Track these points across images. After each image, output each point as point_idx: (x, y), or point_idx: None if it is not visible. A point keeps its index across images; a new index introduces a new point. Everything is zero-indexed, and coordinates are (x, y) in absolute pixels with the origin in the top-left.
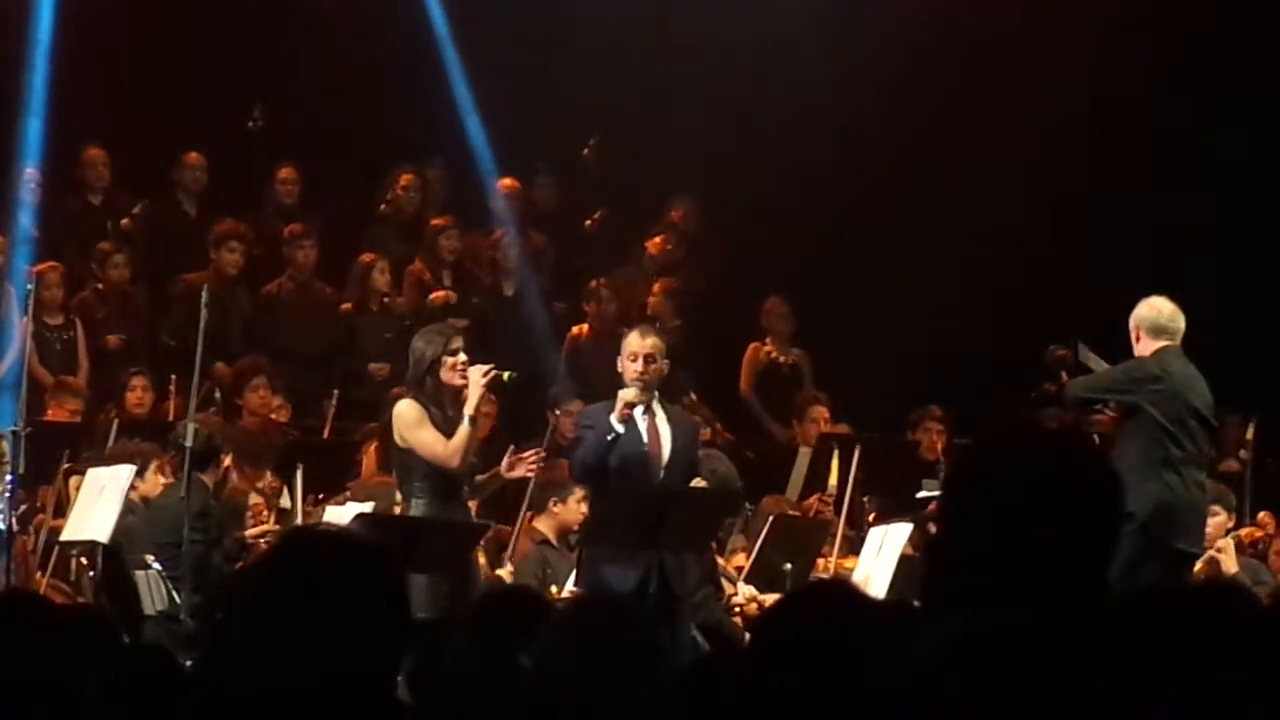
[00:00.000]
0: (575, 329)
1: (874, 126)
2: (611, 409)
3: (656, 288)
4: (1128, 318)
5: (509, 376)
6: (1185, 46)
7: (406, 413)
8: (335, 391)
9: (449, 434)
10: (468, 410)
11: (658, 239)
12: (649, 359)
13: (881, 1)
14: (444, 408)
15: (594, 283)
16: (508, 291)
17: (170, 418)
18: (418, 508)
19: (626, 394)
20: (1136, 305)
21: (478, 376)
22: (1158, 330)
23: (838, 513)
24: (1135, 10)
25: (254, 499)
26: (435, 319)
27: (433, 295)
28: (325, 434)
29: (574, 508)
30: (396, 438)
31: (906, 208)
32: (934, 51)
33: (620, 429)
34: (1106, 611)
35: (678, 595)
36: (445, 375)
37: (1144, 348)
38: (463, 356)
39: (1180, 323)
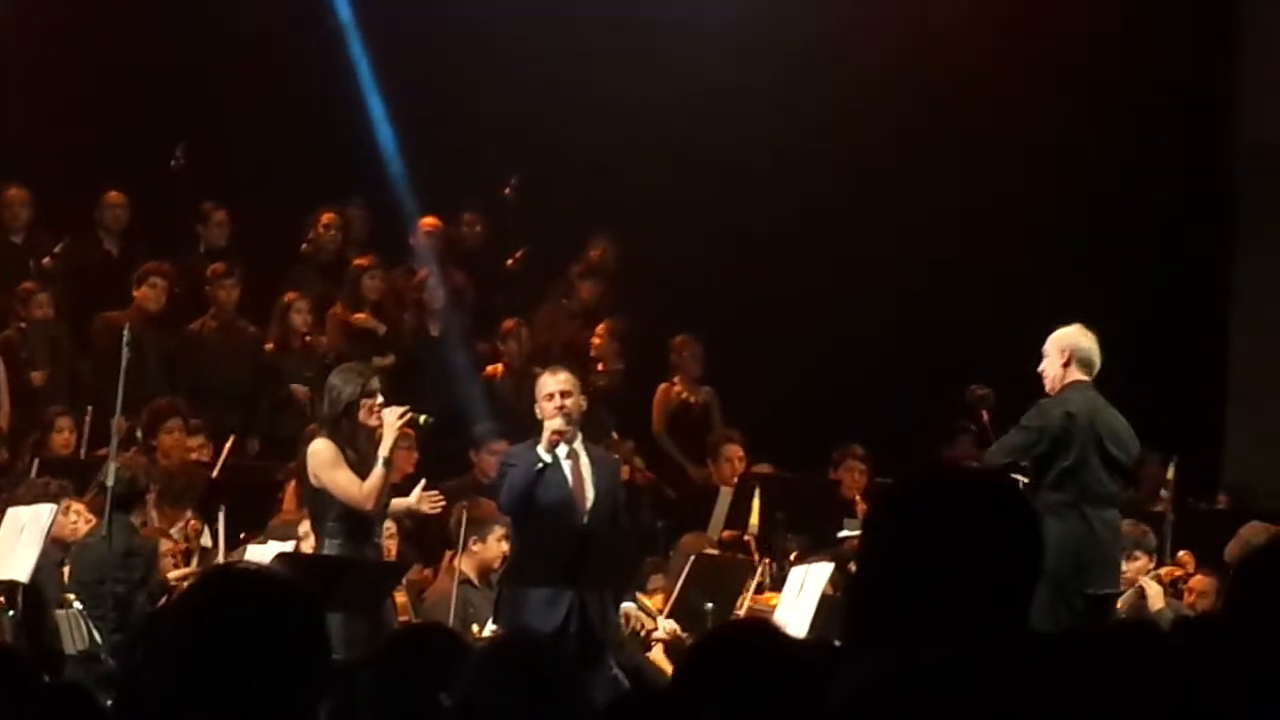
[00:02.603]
0: (490, 369)
1: (786, 165)
2: (534, 448)
3: (601, 329)
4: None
5: (425, 420)
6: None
7: (322, 452)
8: (231, 436)
9: (363, 474)
10: (382, 452)
11: (589, 284)
12: (565, 394)
13: (805, 44)
14: (359, 448)
15: (509, 322)
16: (434, 332)
17: (80, 454)
18: (331, 547)
19: (553, 423)
20: (1066, 330)
21: (393, 419)
22: (1085, 362)
23: (761, 552)
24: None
25: (166, 544)
26: (359, 357)
27: (355, 317)
28: (217, 472)
29: (494, 546)
30: (311, 477)
31: (822, 245)
32: (857, 99)
33: (548, 458)
34: (1025, 652)
35: (598, 635)
36: (362, 416)
37: (1067, 375)
38: (379, 398)
39: (1099, 357)
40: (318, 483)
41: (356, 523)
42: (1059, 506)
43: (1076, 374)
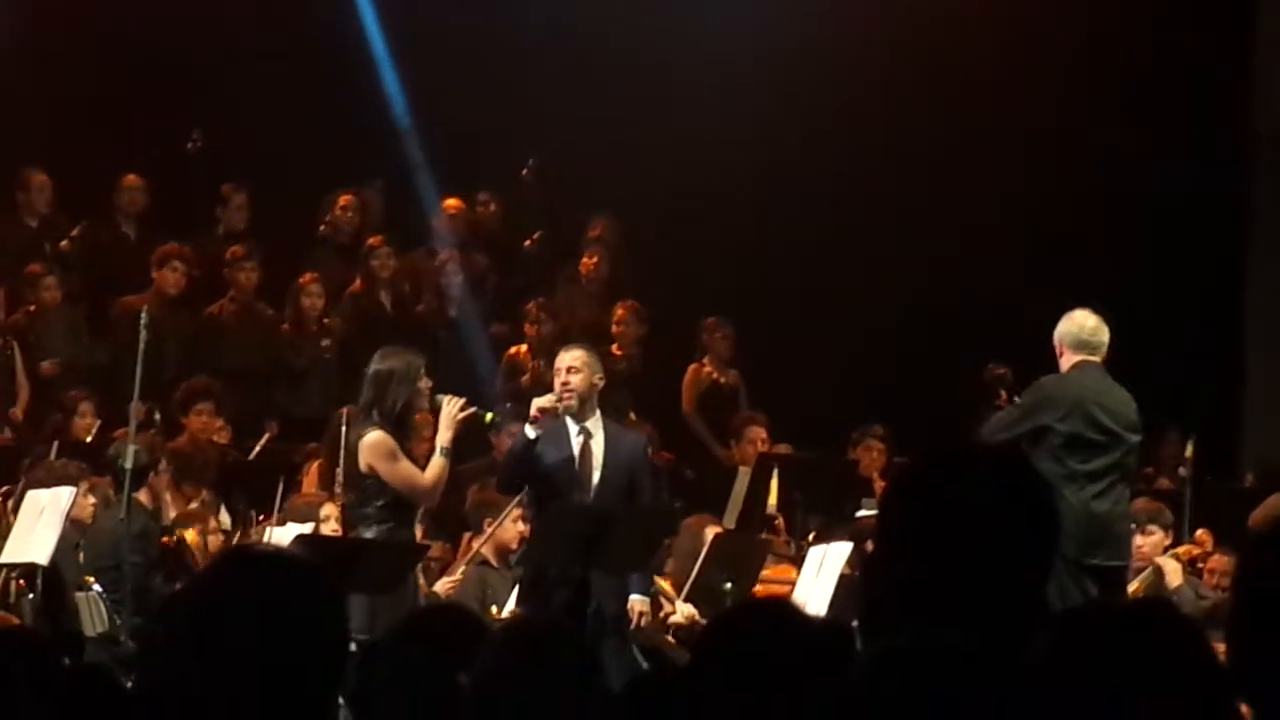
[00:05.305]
0: (514, 349)
1: (812, 150)
2: (554, 419)
3: (620, 312)
4: None
5: (490, 417)
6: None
7: (381, 444)
8: (269, 430)
9: (415, 463)
10: (441, 442)
11: (591, 258)
12: (571, 370)
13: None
14: (410, 439)
15: (531, 305)
16: (452, 313)
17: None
18: (375, 532)
19: (539, 400)
20: (1060, 323)
21: (453, 410)
22: (1078, 345)
23: (780, 532)
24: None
25: (212, 524)
26: (373, 338)
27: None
28: (252, 456)
29: (509, 527)
30: (363, 465)
31: (846, 224)
32: (883, 78)
33: (532, 434)
34: (1043, 631)
35: (616, 615)
36: (418, 406)
37: (1065, 362)
38: (428, 382)
39: (1103, 336)
40: (369, 471)
41: (403, 509)
42: (1058, 480)
43: (1074, 357)
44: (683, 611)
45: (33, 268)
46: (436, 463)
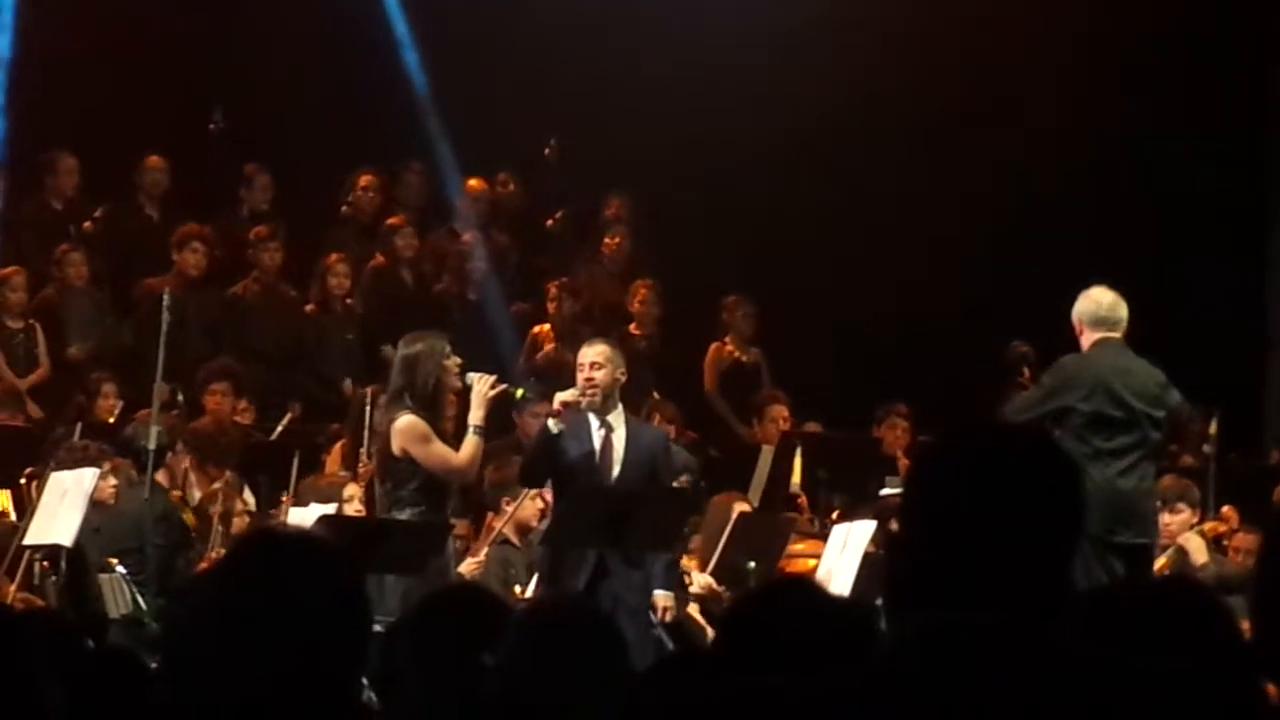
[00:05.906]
0: (536, 328)
1: (830, 122)
2: (576, 413)
3: (641, 292)
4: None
5: (521, 393)
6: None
7: (414, 428)
8: (291, 410)
9: (446, 443)
10: (474, 421)
11: (614, 239)
12: (595, 366)
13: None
14: (442, 419)
15: (552, 284)
16: (471, 296)
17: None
18: (409, 515)
19: (562, 395)
20: (1078, 301)
21: (484, 387)
22: (1097, 322)
23: (803, 511)
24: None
25: (239, 504)
26: (396, 319)
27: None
28: (274, 436)
29: (528, 505)
30: (396, 449)
31: (870, 201)
32: (897, 51)
33: (554, 428)
34: (1069, 610)
35: (639, 608)
36: (449, 384)
37: (1086, 340)
38: (456, 360)
39: (1121, 312)
40: (403, 454)
41: (437, 491)
42: (1082, 459)
43: (1093, 334)
44: (699, 582)
45: (62, 247)
46: (470, 441)
